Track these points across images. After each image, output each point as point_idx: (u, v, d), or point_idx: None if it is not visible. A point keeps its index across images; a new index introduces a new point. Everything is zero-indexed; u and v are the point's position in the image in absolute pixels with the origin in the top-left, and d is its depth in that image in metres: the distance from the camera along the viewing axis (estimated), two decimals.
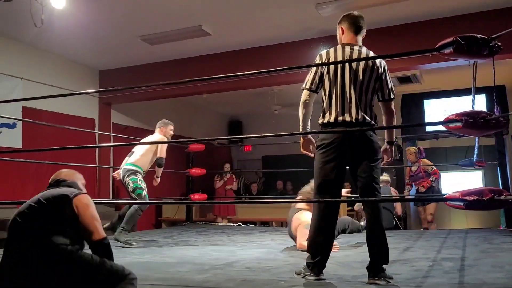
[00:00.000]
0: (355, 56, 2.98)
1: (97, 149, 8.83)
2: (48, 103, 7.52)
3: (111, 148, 9.09)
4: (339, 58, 2.98)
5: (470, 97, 3.86)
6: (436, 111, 9.49)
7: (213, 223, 8.27)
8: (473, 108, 3.37)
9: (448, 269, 3.23)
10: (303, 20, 6.53)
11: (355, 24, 3.11)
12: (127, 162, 5.35)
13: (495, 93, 3.14)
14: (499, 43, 2.27)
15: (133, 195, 5.07)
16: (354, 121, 2.90)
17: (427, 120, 9.54)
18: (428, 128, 9.20)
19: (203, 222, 8.32)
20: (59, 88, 7.60)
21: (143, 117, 10.07)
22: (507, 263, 3.36)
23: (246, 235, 6.09)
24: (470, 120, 2.23)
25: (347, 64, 2.94)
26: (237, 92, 9.42)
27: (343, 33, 3.15)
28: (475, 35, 2.25)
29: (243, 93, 9.90)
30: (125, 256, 4.18)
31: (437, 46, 2.34)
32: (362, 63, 2.95)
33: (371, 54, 3.05)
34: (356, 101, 2.91)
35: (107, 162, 8.91)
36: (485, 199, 2.10)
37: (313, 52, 6.90)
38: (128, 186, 5.08)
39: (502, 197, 2.12)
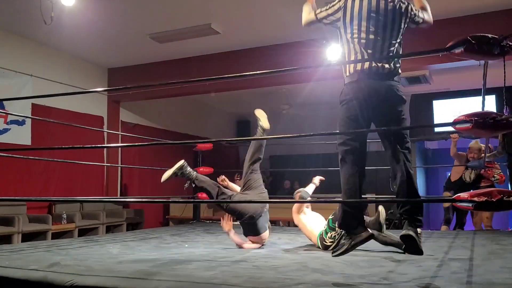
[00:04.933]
0: (379, 2, 2.85)
1: (105, 148, 8.87)
2: (57, 100, 7.57)
3: (119, 147, 9.13)
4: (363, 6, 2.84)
5: (480, 97, 3.84)
6: (446, 111, 9.44)
7: (220, 222, 8.26)
8: (483, 108, 3.36)
9: (456, 269, 3.21)
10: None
11: None
12: None
13: (505, 94, 3.12)
14: (510, 43, 2.25)
15: None
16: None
17: (436, 120, 9.50)
18: (437, 129, 9.16)
19: (211, 221, 8.33)
20: (68, 85, 7.66)
21: (151, 115, 10.12)
22: None
23: None
24: (480, 121, 2.21)
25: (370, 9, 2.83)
26: (245, 91, 9.43)
27: None
28: (486, 34, 2.24)
29: (252, 92, 9.91)
30: (133, 252, 4.20)
31: (447, 45, 2.33)
32: (389, 6, 2.85)
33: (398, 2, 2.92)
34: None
35: (116, 160, 8.95)
36: (494, 200, 2.09)
37: (322, 51, 6.89)
38: None
39: (511, 199, 2.11)
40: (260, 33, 7.17)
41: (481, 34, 2.24)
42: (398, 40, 2.88)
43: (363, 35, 2.81)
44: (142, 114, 9.92)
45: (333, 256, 2.86)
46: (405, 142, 2.86)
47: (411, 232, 2.67)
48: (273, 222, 8.66)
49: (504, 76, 2.66)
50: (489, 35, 2.24)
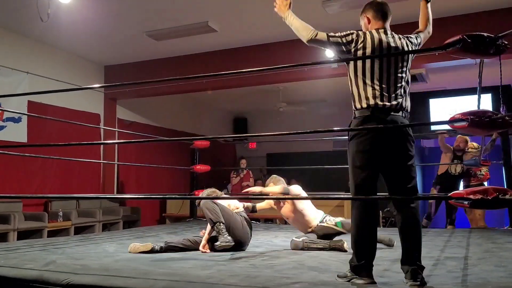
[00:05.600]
0: (391, 40, 2.83)
1: (102, 144, 8.86)
2: (53, 97, 7.55)
3: (116, 144, 9.12)
4: (377, 42, 2.81)
5: (476, 96, 3.85)
6: (442, 110, 9.46)
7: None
8: (478, 107, 3.36)
9: (452, 268, 3.22)
10: (309, 18, 6.42)
11: (381, 11, 2.91)
12: None
13: (501, 92, 3.12)
14: (506, 42, 2.26)
15: None
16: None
17: (432, 119, 9.51)
18: (433, 127, 9.17)
19: None
20: (65, 83, 7.63)
21: (148, 113, 10.10)
22: (510, 263, 3.34)
23: None
24: (476, 119, 2.22)
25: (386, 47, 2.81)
26: (242, 89, 9.43)
27: (369, 22, 2.93)
28: (482, 33, 2.24)
29: (249, 90, 9.91)
30: (129, 251, 4.19)
31: (443, 44, 2.33)
32: (399, 46, 2.83)
33: (403, 38, 2.90)
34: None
35: (112, 158, 8.94)
36: (490, 198, 2.10)
37: (319, 50, 6.89)
38: None
39: (507, 197, 2.11)
40: (257, 31, 7.16)
41: (477, 33, 2.25)
42: (407, 76, 2.85)
43: (376, 69, 2.77)
44: (139, 111, 9.91)
45: (337, 277, 2.82)
46: (414, 182, 2.80)
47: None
48: (270, 220, 8.69)
49: (500, 74, 2.67)
50: (485, 34, 2.24)
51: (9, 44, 7.12)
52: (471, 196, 2.13)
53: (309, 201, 4.74)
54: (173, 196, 6.40)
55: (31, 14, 5.93)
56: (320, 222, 4.55)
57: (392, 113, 2.74)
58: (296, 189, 4.71)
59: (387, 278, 2.88)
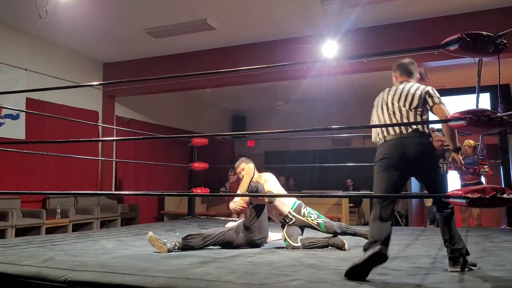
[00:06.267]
0: (397, 88, 3.23)
1: (100, 141, 8.85)
2: (52, 95, 7.54)
3: (114, 141, 9.11)
4: (386, 94, 3.25)
5: (475, 95, 3.85)
6: None
7: (215, 217, 8.27)
8: (477, 106, 3.36)
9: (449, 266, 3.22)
10: (309, 16, 6.52)
11: (406, 71, 3.40)
12: None
13: (499, 92, 3.13)
14: (505, 41, 2.26)
15: None
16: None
17: (430, 118, 9.49)
18: (431, 126, 9.16)
19: (205, 216, 8.33)
20: (63, 80, 7.62)
21: (146, 110, 10.09)
22: (508, 262, 3.35)
23: None
24: (475, 118, 2.22)
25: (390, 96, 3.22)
26: (241, 87, 9.42)
27: (397, 79, 3.40)
28: (480, 32, 2.24)
29: (247, 88, 9.90)
30: (127, 248, 4.20)
31: (442, 43, 2.33)
32: (397, 94, 3.19)
33: (416, 87, 3.19)
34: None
35: (110, 155, 8.93)
36: (488, 197, 2.10)
37: (318, 48, 6.89)
38: None
39: (505, 196, 2.12)
40: (256, 29, 7.15)
41: (476, 32, 2.25)
42: (420, 110, 3.14)
43: (385, 110, 3.19)
44: (137, 109, 9.90)
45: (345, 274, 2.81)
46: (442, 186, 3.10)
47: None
48: (268, 219, 8.69)
49: (499, 73, 2.67)
50: (484, 33, 2.24)
51: (8, 41, 7.11)
52: (469, 195, 2.14)
53: (279, 188, 4.73)
54: (171, 193, 6.36)
55: (29, 11, 5.92)
56: (295, 212, 4.50)
57: (405, 137, 3.02)
58: (268, 177, 4.68)
59: (385, 276, 2.88)
